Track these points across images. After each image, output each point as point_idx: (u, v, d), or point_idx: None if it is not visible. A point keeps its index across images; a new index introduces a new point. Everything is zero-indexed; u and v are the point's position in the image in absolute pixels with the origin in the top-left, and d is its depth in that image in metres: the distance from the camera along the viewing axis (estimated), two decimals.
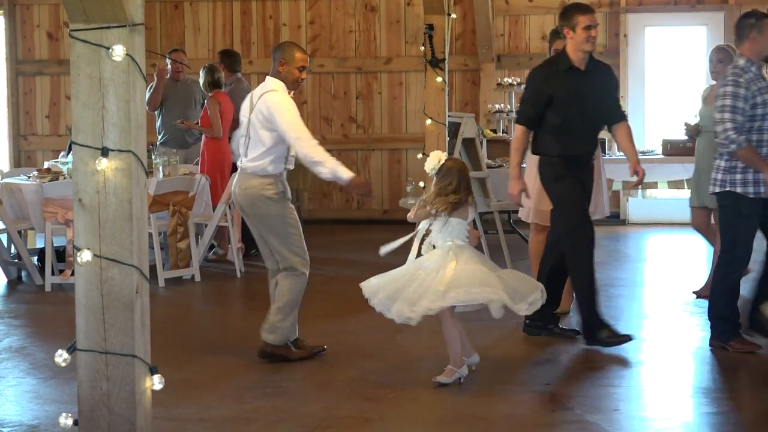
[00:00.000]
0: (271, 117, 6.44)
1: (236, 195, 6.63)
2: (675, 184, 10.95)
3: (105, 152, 4.06)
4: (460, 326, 6.18)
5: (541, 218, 7.66)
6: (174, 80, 11.03)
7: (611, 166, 10.71)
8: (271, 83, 6.60)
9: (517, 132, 7.04)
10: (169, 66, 11.07)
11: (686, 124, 8.49)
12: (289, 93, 6.59)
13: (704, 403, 5.80)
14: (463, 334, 6.19)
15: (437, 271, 6.04)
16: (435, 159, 6.21)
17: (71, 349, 4.18)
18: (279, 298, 6.60)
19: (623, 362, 6.62)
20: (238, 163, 6.72)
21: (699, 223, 8.35)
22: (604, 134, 11.85)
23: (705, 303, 8.20)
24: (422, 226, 6.30)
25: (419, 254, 6.30)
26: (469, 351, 6.23)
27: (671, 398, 5.88)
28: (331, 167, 6.35)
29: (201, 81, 10.21)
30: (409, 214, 6.31)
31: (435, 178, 6.22)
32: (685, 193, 11.69)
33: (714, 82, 8.25)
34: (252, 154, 6.53)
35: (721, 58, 8.10)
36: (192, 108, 10.88)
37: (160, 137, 10.99)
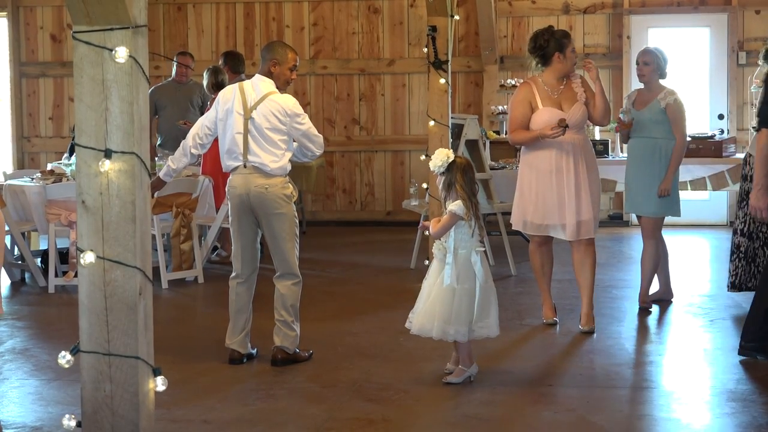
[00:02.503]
0: (292, 121, 6.55)
1: (250, 194, 6.51)
2: (678, 186, 10.91)
3: (108, 154, 4.06)
4: None
5: (522, 226, 7.63)
6: (177, 83, 11.06)
7: (614, 167, 10.71)
8: (268, 83, 6.61)
9: (763, 138, 6.45)
10: (174, 68, 11.10)
11: (619, 120, 8.24)
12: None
13: (709, 405, 5.79)
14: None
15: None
16: (443, 156, 6.09)
17: (74, 351, 4.17)
18: (288, 307, 6.61)
19: (626, 364, 6.62)
20: (228, 162, 6.61)
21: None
22: (608, 135, 11.91)
23: (708, 304, 8.21)
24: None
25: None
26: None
27: (675, 400, 5.87)
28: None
29: (205, 83, 10.23)
30: (436, 233, 6.09)
31: (448, 177, 6.07)
32: (688, 195, 11.70)
33: (642, 86, 8.16)
34: (267, 153, 6.50)
35: (647, 61, 8.04)
36: (190, 110, 10.87)
37: (158, 139, 11.00)
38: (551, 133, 7.18)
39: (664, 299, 8.26)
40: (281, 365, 6.57)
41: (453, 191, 6.08)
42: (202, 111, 10.89)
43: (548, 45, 7.35)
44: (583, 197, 7.32)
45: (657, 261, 8.12)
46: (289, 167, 6.62)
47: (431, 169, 6.16)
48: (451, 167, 6.06)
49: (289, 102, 6.60)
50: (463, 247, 6.06)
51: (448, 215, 6.06)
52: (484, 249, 6.12)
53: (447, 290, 6.03)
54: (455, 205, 6.03)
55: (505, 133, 11.93)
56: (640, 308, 8.02)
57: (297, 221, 6.67)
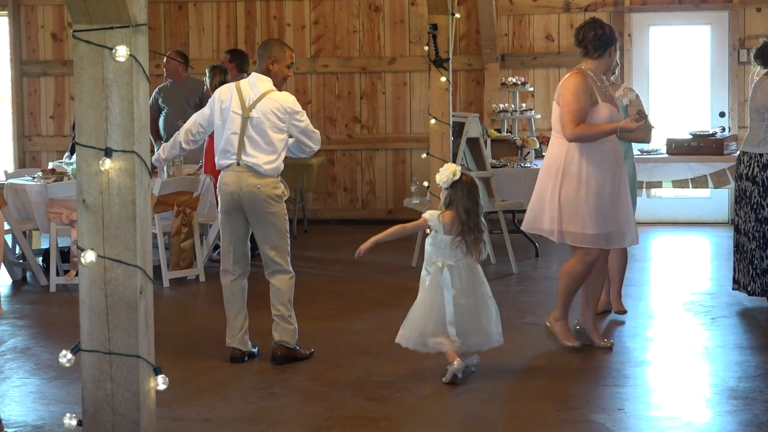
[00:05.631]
0: (291, 118, 6.56)
1: (241, 193, 6.53)
2: (679, 184, 10.94)
3: (108, 153, 4.05)
4: None
5: (571, 239, 6.69)
6: (175, 82, 10.94)
7: None
8: (266, 82, 6.62)
9: None
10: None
11: None
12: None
13: (710, 403, 5.79)
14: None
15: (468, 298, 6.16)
16: (449, 172, 6.10)
17: (75, 350, 4.17)
18: (285, 301, 6.61)
19: (628, 362, 6.61)
20: (221, 161, 6.62)
21: None
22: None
23: (709, 302, 8.21)
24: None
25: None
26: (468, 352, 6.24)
27: (676, 398, 5.87)
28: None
29: (209, 81, 10.15)
30: (395, 231, 6.24)
31: (450, 193, 6.12)
32: (691, 192, 11.70)
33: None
34: (263, 154, 6.50)
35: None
36: (187, 111, 10.80)
37: (163, 139, 10.98)
38: (636, 126, 6.60)
39: (606, 310, 7.80)
40: (282, 361, 6.57)
41: (452, 207, 6.14)
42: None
43: (611, 35, 6.79)
44: (629, 199, 6.87)
45: (625, 264, 7.80)
46: (281, 168, 6.64)
47: (437, 181, 6.19)
48: (455, 185, 6.09)
49: (288, 99, 6.62)
50: (437, 258, 6.12)
51: (421, 219, 6.17)
52: (452, 264, 6.11)
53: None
54: (429, 214, 6.14)
55: (507, 131, 11.91)
56: (614, 312, 7.74)
57: (287, 219, 6.68)
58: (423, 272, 6.25)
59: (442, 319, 6.09)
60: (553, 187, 6.66)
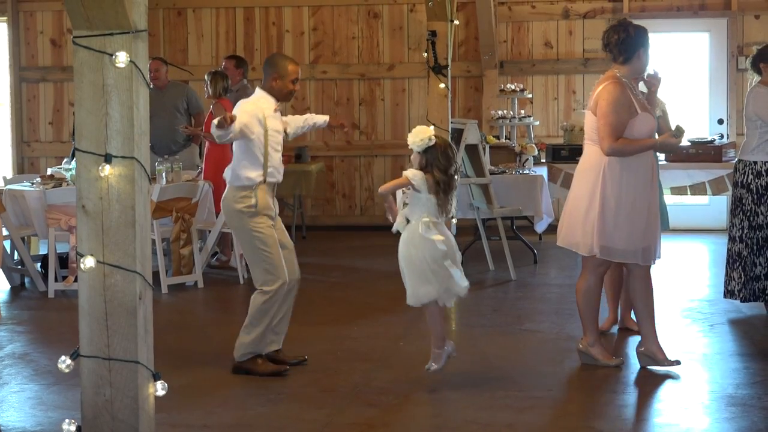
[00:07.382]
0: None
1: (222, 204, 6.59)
2: (678, 191, 10.95)
3: (108, 159, 4.06)
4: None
5: (606, 253, 6.39)
6: (157, 89, 10.82)
7: None
8: (258, 95, 6.54)
9: None
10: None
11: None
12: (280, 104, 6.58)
13: (708, 410, 5.79)
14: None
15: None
16: (424, 136, 6.07)
17: (74, 356, 4.18)
18: (252, 311, 6.43)
19: (627, 368, 6.61)
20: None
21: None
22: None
23: (707, 309, 8.22)
24: (400, 197, 6.30)
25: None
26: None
27: (675, 405, 5.87)
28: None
29: (211, 88, 10.12)
30: (382, 189, 6.13)
31: (425, 158, 6.08)
32: (689, 199, 11.71)
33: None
34: (231, 164, 6.48)
35: None
36: (176, 116, 10.77)
37: (154, 147, 10.93)
38: (676, 141, 6.40)
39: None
40: (233, 371, 6.50)
41: (428, 169, 6.08)
42: (189, 114, 10.86)
43: (637, 37, 6.39)
44: (659, 213, 6.60)
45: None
46: (245, 180, 6.35)
47: (408, 144, 6.15)
48: (429, 149, 6.08)
49: (239, 107, 6.42)
50: (419, 215, 6.11)
51: (402, 176, 6.08)
52: (430, 220, 6.09)
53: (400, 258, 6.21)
54: (411, 173, 6.05)
55: (506, 138, 11.90)
56: (620, 329, 7.60)
57: (259, 234, 6.34)
58: (401, 230, 6.18)
59: (411, 275, 6.19)
60: (591, 198, 6.37)
